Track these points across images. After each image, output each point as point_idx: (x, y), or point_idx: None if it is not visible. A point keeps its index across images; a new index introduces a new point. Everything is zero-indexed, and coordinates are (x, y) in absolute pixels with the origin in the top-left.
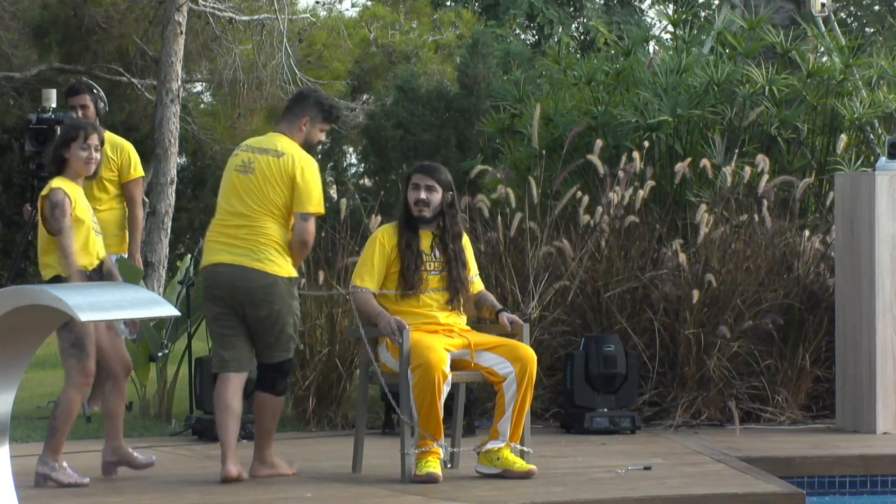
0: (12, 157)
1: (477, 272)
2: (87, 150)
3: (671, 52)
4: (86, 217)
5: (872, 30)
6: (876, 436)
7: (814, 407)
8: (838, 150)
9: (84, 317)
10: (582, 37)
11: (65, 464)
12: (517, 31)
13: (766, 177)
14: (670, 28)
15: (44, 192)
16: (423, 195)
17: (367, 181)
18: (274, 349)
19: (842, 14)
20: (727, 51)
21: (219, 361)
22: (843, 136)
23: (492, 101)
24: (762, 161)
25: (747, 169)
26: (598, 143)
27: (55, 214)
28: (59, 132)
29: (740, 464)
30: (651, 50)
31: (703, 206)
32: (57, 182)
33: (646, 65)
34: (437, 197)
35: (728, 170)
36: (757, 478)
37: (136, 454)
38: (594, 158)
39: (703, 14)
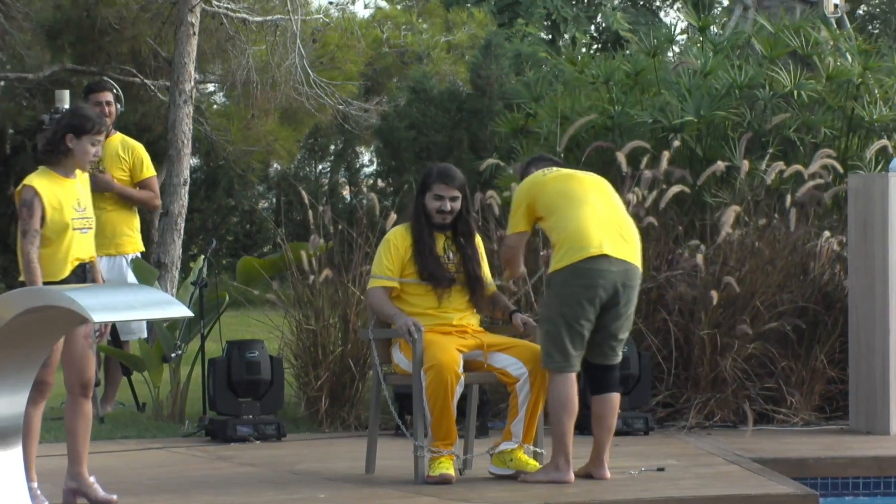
0: (25, 158)
1: (489, 272)
2: (96, 146)
3: (698, 53)
4: (68, 220)
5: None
6: (890, 437)
7: (827, 408)
8: (869, 155)
9: (97, 317)
10: (601, 35)
11: (33, 484)
12: (534, 31)
13: (808, 179)
14: (687, 31)
15: (18, 188)
16: (448, 206)
17: (380, 181)
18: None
19: (860, 11)
20: (743, 53)
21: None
22: (886, 142)
23: (505, 101)
24: (781, 166)
25: (780, 164)
26: (628, 145)
27: (22, 214)
28: (63, 118)
29: (754, 465)
30: (673, 53)
31: (733, 207)
32: (34, 178)
33: (670, 66)
34: (458, 205)
35: (776, 167)
36: (770, 479)
37: (96, 486)
38: (621, 157)
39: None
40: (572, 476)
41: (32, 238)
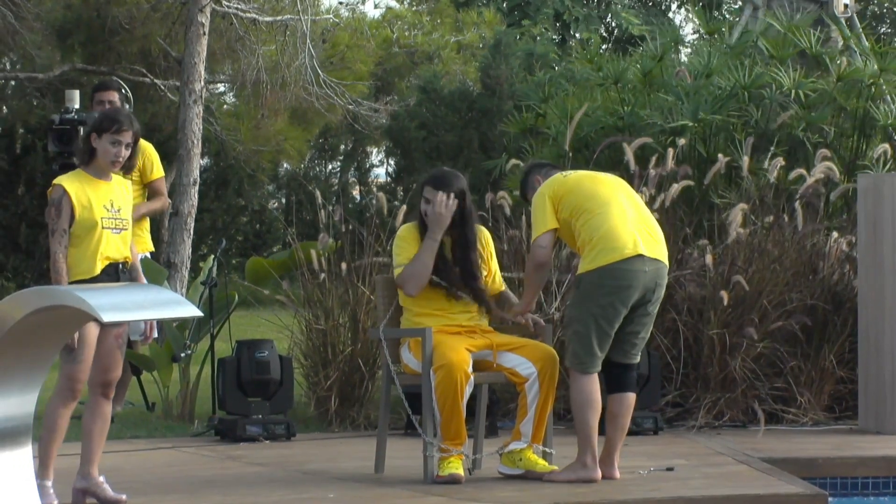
0: (35, 158)
1: (498, 269)
2: (116, 147)
3: (701, 54)
4: (97, 218)
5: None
6: None
7: (836, 408)
8: (875, 156)
9: (107, 317)
10: (611, 35)
11: (48, 482)
12: (545, 30)
13: (811, 178)
14: (698, 31)
15: (49, 189)
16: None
17: (389, 180)
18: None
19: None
20: (753, 53)
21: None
22: (886, 146)
23: (515, 101)
24: (781, 163)
25: (779, 160)
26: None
27: (50, 214)
28: (94, 119)
29: (763, 465)
30: (682, 57)
31: (741, 206)
32: (63, 178)
33: (673, 69)
34: None
35: (776, 163)
36: (779, 479)
37: (106, 486)
38: (629, 153)
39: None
40: (599, 474)
41: (60, 238)
